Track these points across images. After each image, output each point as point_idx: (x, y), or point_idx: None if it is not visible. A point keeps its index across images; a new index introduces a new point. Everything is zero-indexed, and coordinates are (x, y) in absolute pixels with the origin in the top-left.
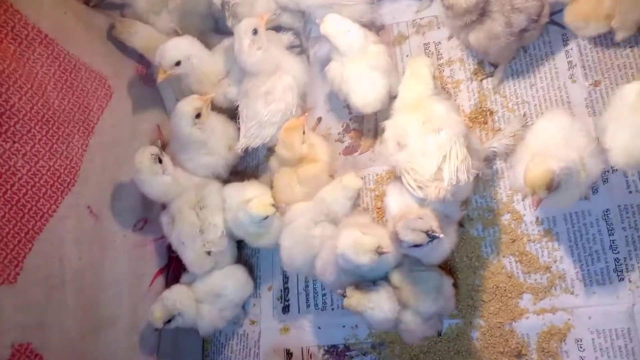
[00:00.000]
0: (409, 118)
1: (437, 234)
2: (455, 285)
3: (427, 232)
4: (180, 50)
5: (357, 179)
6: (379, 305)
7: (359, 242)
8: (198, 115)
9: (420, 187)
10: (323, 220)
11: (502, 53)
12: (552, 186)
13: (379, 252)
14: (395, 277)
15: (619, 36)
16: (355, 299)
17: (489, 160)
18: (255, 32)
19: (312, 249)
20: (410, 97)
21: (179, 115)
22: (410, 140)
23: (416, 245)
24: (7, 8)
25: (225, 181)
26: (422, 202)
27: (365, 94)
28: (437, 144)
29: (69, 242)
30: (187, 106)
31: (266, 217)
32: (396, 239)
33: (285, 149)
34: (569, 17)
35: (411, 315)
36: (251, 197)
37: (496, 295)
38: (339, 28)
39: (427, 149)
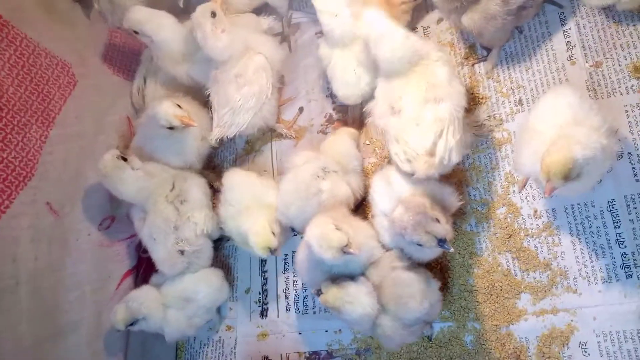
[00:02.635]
0: (408, 82)
1: (448, 247)
2: (444, 285)
3: (439, 239)
4: (142, 25)
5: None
6: (357, 299)
7: (326, 235)
8: (171, 127)
9: (409, 160)
10: (336, 172)
11: (497, 34)
12: (570, 176)
13: (344, 251)
14: (374, 275)
15: (623, 6)
16: (331, 294)
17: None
18: (213, 14)
19: (311, 201)
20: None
21: (156, 118)
22: (405, 107)
23: (419, 244)
24: None
25: (200, 174)
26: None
27: (347, 87)
28: (435, 117)
29: (24, 241)
30: (163, 118)
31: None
32: (400, 227)
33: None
34: None
35: (390, 321)
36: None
37: (492, 295)
38: (328, 7)
39: (423, 120)
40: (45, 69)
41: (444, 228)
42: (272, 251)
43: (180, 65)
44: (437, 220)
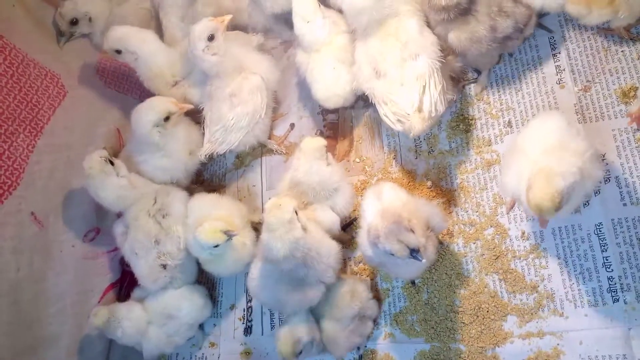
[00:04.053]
0: (385, 43)
1: (420, 257)
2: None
3: (411, 249)
4: (124, 42)
5: (315, 139)
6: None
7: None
8: (167, 119)
9: (400, 121)
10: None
11: (480, 58)
12: (560, 207)
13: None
14: None
15: (618, 23)
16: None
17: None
18: (211, 37)
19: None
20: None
21: (147, 110)
22: (389, 69)
23: (391, 254)
24: None
25: (188, 189)
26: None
27: (327, 88)
28: (416, 74)
29: (6, 251)
30: (160, 105)
31: (217, 245)
32: (373, 235)
33: None
34: (571, 3)
35: (329, 323)
36: (211, 216)
37: (478, 317)
38: (302, 12)
39: (406, 79)
40: (34, 79)
41: (416, 239)
42: (230, 235)
43: (175, 88)
44: (412, 231)
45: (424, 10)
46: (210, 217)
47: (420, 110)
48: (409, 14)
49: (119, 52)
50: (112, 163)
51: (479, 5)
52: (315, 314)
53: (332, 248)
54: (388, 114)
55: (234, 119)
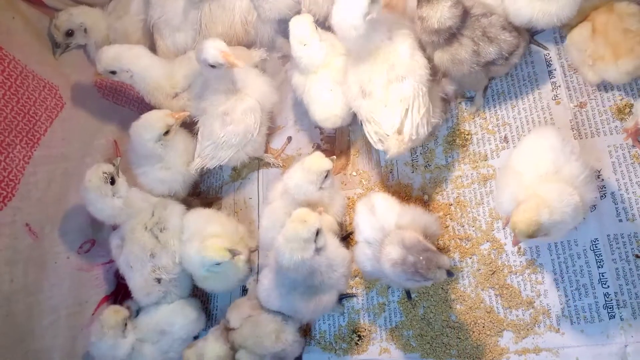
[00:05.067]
0: (374, 63)
1: (454, 273)
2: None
3: (447, 270)
4: (117, 61)
5: (322, 160)
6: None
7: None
8: (166, 132)
9: (381, 141)
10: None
11: (465, 79)
12: (534, 236)
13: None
14: (235, 320)
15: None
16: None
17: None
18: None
19: None
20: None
21: (145, 128)
22: (374, 90)
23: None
24: None
25: (185, 201)
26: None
27: (325, 109)
28: (400, 96)
29: (0, 263)
30: (158, 122)
31: (219, 263)
32: (411, 271)
33: None
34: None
35: (247, 356)
36: (211, 234)
37: (474, 332)
38: (299, 36)
39: (390, 100)
40: (32, 91)
41: (446, 258)
42: (234, 253)
43: (175, 100)
44: (438, 249)
45: (417, 32)
46: (206, 232)
47: (400, 132)
48: (402, 37)
49: (113, 72)
50: (113, 181)
51: (465, 30)
52: (235, 342)
53: (345, 257)
54: (370, 133)
55: (224, 136)
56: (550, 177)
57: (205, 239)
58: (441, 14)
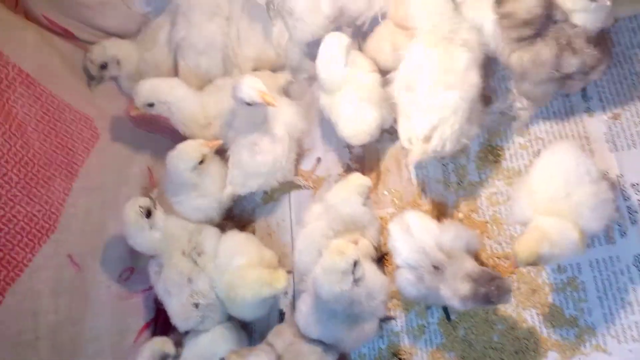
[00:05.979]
0: (429, 58)
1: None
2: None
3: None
4: (155, 93)
5: (363, 177)
6: None
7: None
8: (201, 161)
9: (409, 139)
10: (345, 232)
11: (536, 88)
12: (534, 265)
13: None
14: (279, 346)
15: None
16: None
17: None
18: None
19: None
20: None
21: (181, 158)
22: (419, 86)
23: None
24: None
25: (219, 225)
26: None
27: (353, 126)
28: (440, 104)
29: (45, 295)
30: (193, 151)
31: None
32: (485, 301)
33: None
34: None
35: None
36: (242, 255)
37: (517, 353)
38: (326, 55)
39: (429, 104)
40: (69, 124)
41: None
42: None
43: (208, 130)
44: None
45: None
46: (242, 255)
47: (427, 140)
48: (466, 45)
49: (151, 105)
50: (149, 213)
51: (550, 32)
52: None
53: (383, 284)
54: (402, 128)
55: (253, 166)
56: (559, 203)
57: (258, 271)
58: (529, 2)
